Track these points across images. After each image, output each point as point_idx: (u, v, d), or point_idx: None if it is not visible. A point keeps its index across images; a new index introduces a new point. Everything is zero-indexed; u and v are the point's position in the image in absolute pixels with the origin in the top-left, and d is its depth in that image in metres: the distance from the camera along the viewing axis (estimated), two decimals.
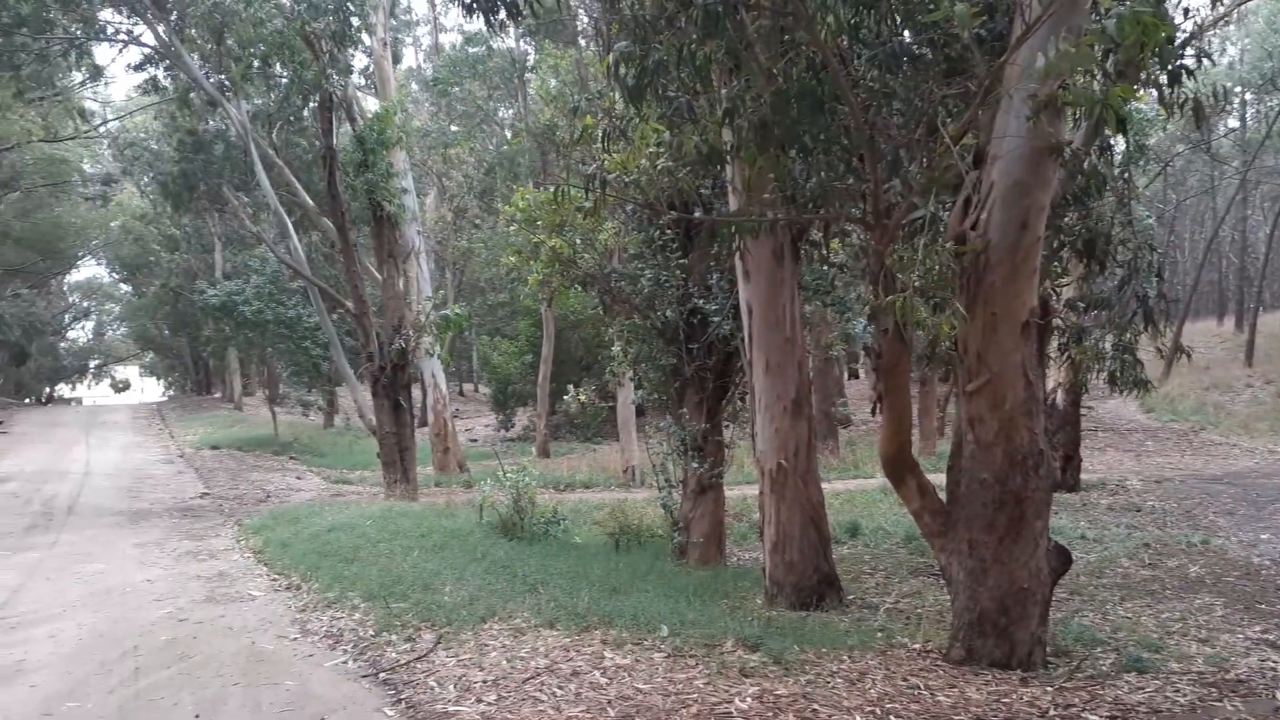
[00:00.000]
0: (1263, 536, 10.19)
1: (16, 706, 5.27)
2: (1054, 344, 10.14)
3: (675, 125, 5.78)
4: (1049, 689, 4.98)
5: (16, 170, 32.95)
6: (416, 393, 22.94)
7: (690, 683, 5.16)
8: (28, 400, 57.22)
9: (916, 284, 4.65)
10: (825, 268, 8.00)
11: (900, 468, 6.00)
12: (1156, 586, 8.02)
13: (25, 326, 36.96)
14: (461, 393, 42.13)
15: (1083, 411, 15.57)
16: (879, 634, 6.29)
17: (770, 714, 4.69)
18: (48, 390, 65.75)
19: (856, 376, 34.56)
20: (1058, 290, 9.08)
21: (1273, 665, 5.56)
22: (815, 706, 4.79)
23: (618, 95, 5.58)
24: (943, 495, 5.85)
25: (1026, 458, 5.32)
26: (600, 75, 11.77)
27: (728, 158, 5.78)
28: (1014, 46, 4.95)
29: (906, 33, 5.85)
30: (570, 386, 21.94)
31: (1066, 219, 7.19)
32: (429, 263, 24.80)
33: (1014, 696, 4.88)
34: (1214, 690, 5.04)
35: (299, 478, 19.93)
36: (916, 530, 9.14)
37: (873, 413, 25.00)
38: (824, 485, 8.14)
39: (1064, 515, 11.31)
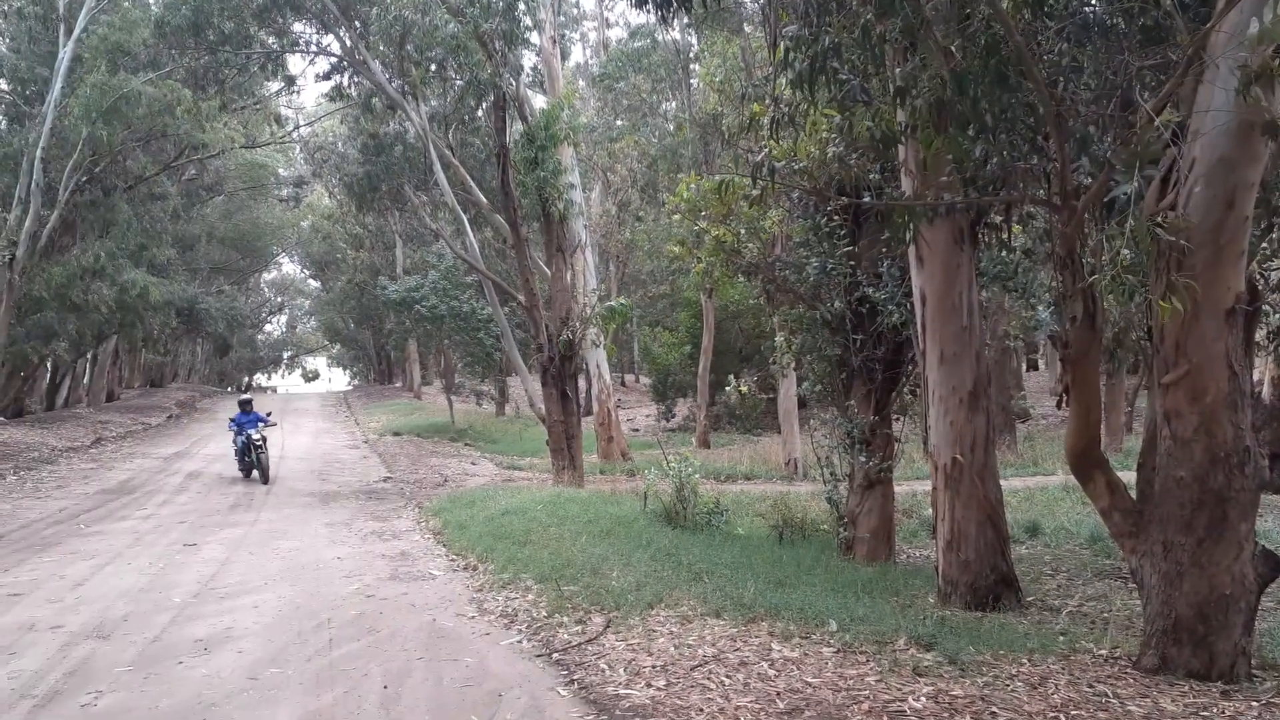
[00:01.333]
0: None
1: (227, 670, 5.74)
2: (1262, 331, 9.29)
3: (847, 109, 5.64)
4: (1254, 704, 4.59)
5: (220, 175, 35.79)
6: (581, 383, 23.47)
7: (861, 679, 5.05)
8: (229, 389, 62.24)
9: (1123, 262, 4.34)
10: (1005, 253, 7.61)
11: (1088, 464, 5.67)
12: None
13: (228, 320, 40.09)
14: (623, 384, 42.83)
15: None
16: (1061, 638, 5.96)
17: (946, 715, 4.54)
18: (246, 379, 71.34)
19: (1035, 368, 32.92)
20: (1266, 273, 8.32)
21: None
22: (994, 710, 4.60)
23: (785, 81, 5.50)
24: (1133, 494, 5.49)
25: (1230, 455, 4.91)
26: (766, 62, 11.65)
27: (902, 140, 5.60)
28: (1222, 11, 4.56)
29: (1096, 1, 5.50)
30: (731, 378, 21.86)
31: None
32: (593, 256, 25.29)
33: (1214, 710, 4.53)
34: None
35: (473, 463, 20.77)
36: (1102, 530, 8.67)
37: (1058, 406, 23.70)
38: (1001, 482, 7.79)
39: (1269, 518, 10.39)
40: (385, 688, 5.33)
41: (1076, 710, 4.58)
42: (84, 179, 24.64)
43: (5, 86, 24.96)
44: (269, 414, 17.83)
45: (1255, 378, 12.16)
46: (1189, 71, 4.68)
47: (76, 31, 22.72)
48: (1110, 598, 7.49)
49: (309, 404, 41.94)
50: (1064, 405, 6.27)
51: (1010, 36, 4.83)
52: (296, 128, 35.59)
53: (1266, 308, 8.73)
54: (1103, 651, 5.60)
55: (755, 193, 6.66)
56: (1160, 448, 5.11)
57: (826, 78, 5.22)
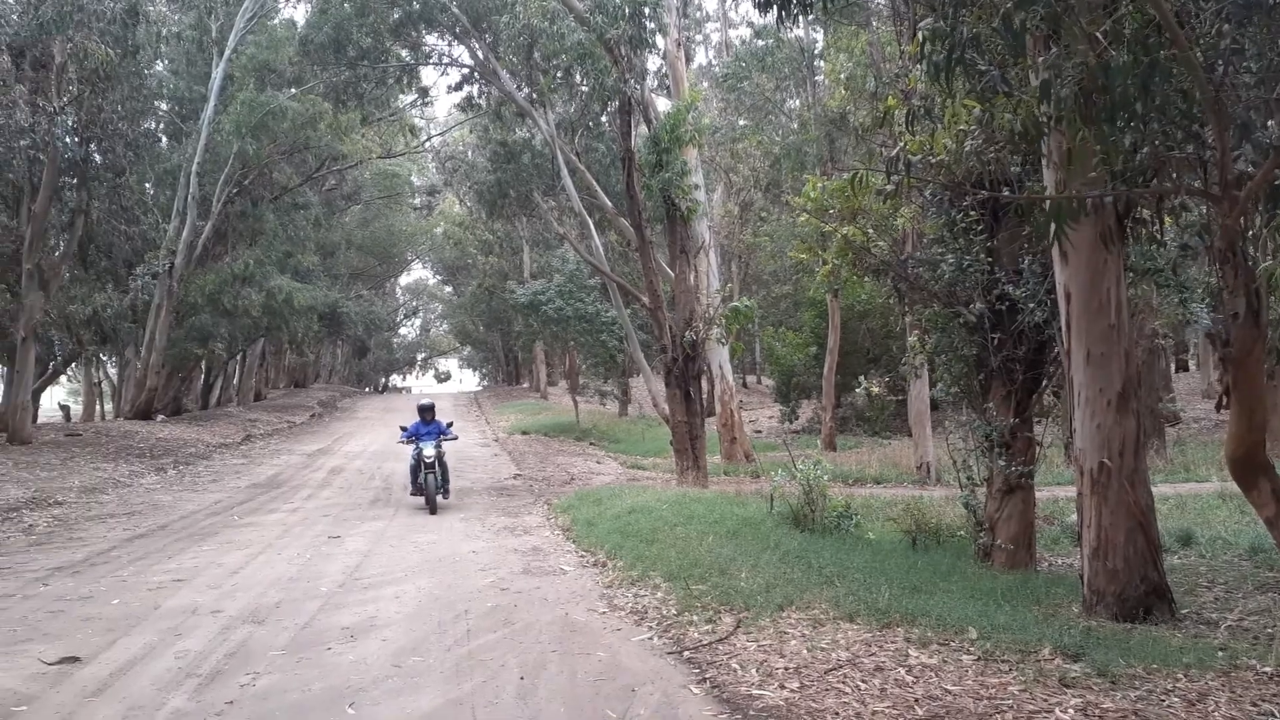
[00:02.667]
0: None
1: (372, 657, 5.99)
2: None
3: (986, 101, 5.47)
4: None
5: (358, 185, 37.48)
6: (704, 384, 23.47)
7: (1004, 688, 4.89)
8: (367, 389, 65.02)
9: None
10: (1156, 248, 7.22)
11: (1251, 470, 5.34)
12: None
13: (366, 323, 41.88)
14: (745, 385, 42.59)
15: None
16: (1220, 653, 5.62)
17: None
18: (383, 380, 74.35)
19: (1185, 369, 31.10)
20: None
21: None
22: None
23: (921, 74, 5.38)
24: None
25: None
26: (895, 57, 11.40)
27: (1045, 132, 5.38)
28: None
29: None
30: (862, 379, 21.44)
31: None
32: (716, 257, 25.28)
33: None
34: None
35: (598, 462, 21.05)
36: (1265, 540, 8.15)
37: (1217, 408, 22.37)
38: (1150, 488, 7.39)
39: None
40: (522, 679, 5.46)
41: None
42: (234, 191, 26.23)
43: (165, 107, 26.79)
44: (450, 424, 14.00)
45: None
46: None
47: (227, 52, 24.22)
48: (1275, 612, 7.00)
49: (442, 404, 43.04)
50: (1223, 408, 5.92)
51: (1163, 19, 4.59)
52: (429, 138, 36.93)
53: None
54: (1267, 669, 5.25)
55: (889, 188, 6.53)
56: None
57: (964, 69, 5.08)
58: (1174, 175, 5.77)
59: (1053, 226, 5.10)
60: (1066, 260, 6.65)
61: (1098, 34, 4.97)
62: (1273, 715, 4.47)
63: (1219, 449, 15.28)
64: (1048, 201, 5.47)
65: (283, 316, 28.88)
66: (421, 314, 74.11)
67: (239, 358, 36.90)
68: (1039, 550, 9.35)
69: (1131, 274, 7.32)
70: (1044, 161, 6.49)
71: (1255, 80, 5.46)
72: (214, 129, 24.14)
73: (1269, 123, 5.35)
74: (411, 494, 13.45)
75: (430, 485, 12.66)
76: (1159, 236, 7.01)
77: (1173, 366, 28.21)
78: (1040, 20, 4.87)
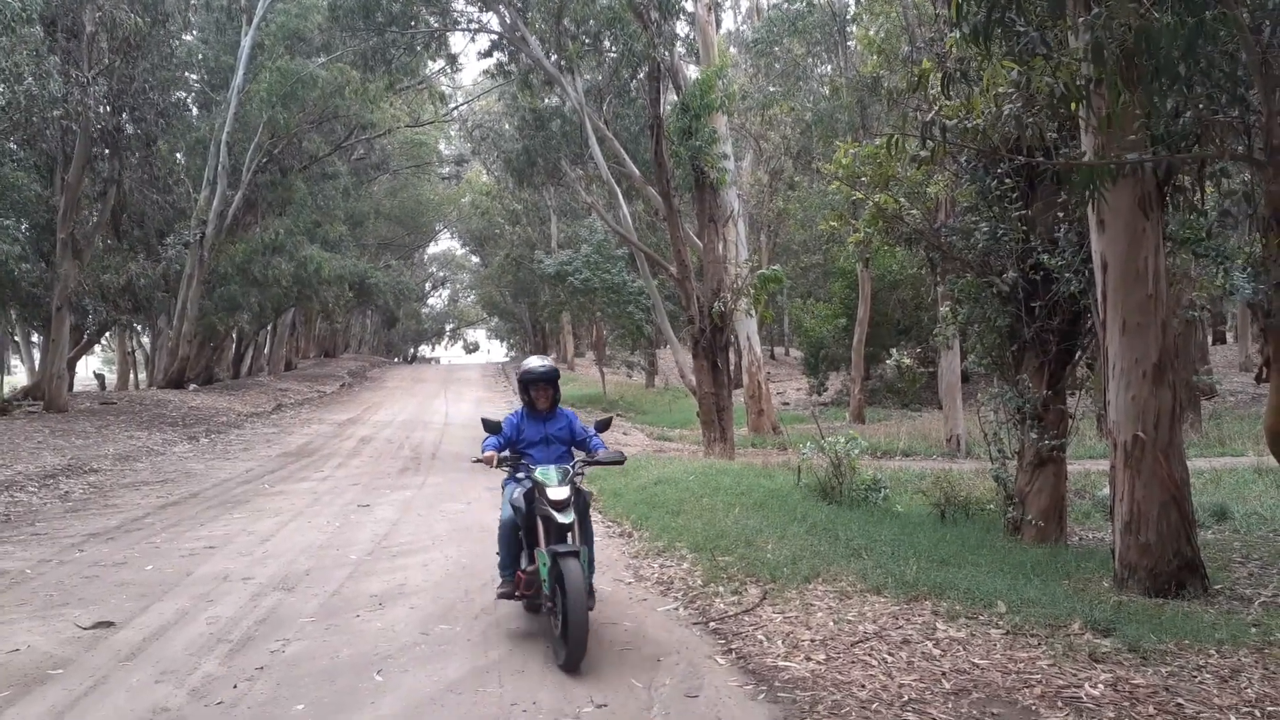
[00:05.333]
0: None
1: (400, 624, 6.03)
2: None
3: (1024, 63, 5.32)
4: None
5: (386, 154, 37.48)
6: (732, 356, 23.39)
7: (1033, 663, 4.84)
8: (396, 359, 65.50)
9: None
10: (1196, 216, 7.03)
11: None
12: None
13: (395, 293, 42.06)
14: (773, 356, 42.42)
15: None
16: (1253, 629, 5.52)
17: (1127, 704, 4.29)
18: (411, 350, 74.85)
19: (1223, 340, 30.55)
20: None
21: None
22: (1180, 701, 4.31)
23: (958, 35, 5.23)
24: None
25: None
26: (930, 20, 11.16)
27: (1086, 94, 5.23)
28: None
29: None
30: (893, 351, 21.25)
31: None
32: (744, 226, 25.07)
33: None
34: None
35: (625, 433, 21.08)
36: None
37: (1257, 380, 21.98)
38: (1185, 462, 7.26)
39: None
40: (547, 648, 5.47)
41: (1274, 706, 4.25)
42: (264, 160, 26.32)
43: (194, 76, 26.89)
44: (605, 423, 6.22)
45: None
46: None
47: (256, 19, 24.21)
48: None
49: (470, 374, 43.62)
50: (1263, 380, 5.78)
51: None
52: (456, 106, 36.80)
53: None
54: None
55: (924, 154, 6.39)
56: None
57: (1003, 30, 4.94)
58: (1217, 140, 5.60)
59: (1090, 190, 4.96)
60: (1103, 228, 6.49)
61: None
62: None
63: (1256, 423, 15.03)
64: (1085, 166, 5.33)
65: (312, 286, 29.06)
66: (449, 284, 74.37)
67: (270, 327, 37.24)
68: (1070, 524, 9.24)
69: (1170, 243, 7.14)
70: (1082, 126, 6.32)
71: None
72: (243, 98, 24.20)
73: None
74: (503, 593, 5.92)
75: (570, 584, 5.01)
76: (1200, 204, 6.83)
77: (1210, 338, 27.74)
78: None
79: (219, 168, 24.84)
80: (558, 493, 5.26)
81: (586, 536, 5.54)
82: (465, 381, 37.82)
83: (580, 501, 5.47)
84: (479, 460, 5.68)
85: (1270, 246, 4.98)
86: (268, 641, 5.63)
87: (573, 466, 5.56)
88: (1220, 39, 4.91)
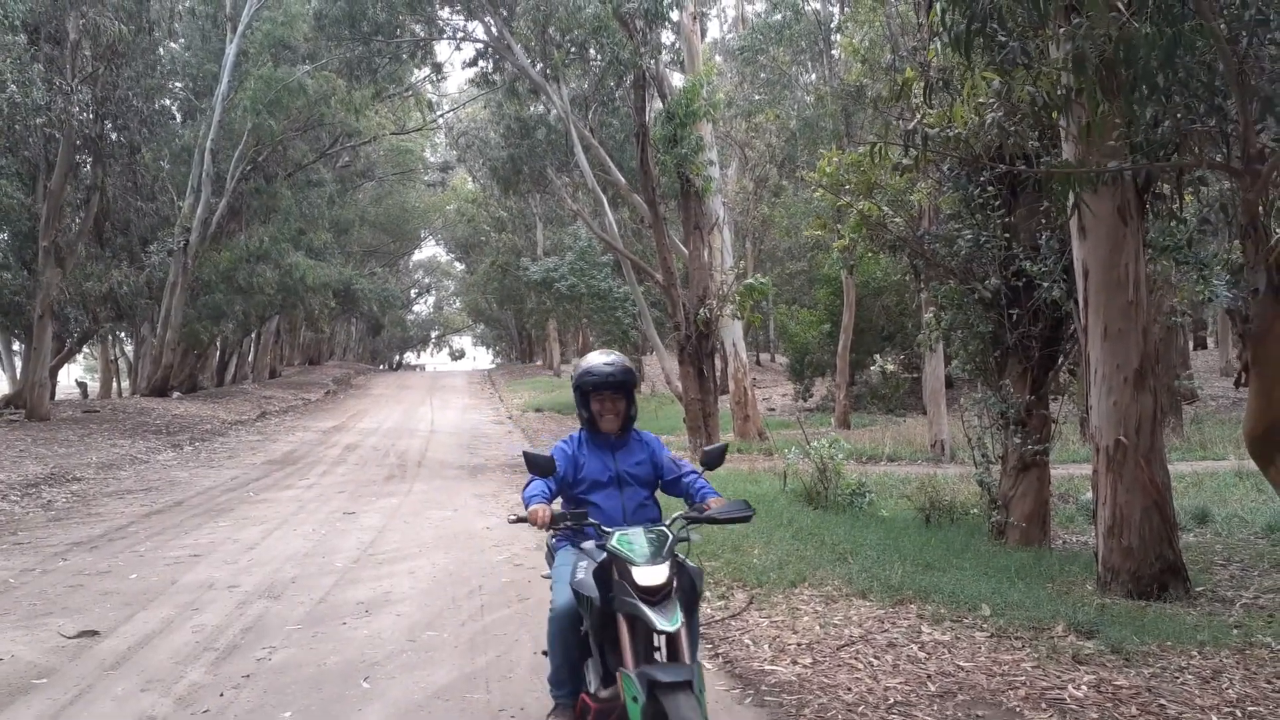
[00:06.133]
0: None
1: (387, 631, 6.03)
2: None
3: (1006, 73, 5.39)
4: None
5: (371, 161, 37.41)
6: (717, 362, 23.45)
7: (1017, 665, 4.88)
8: (381, 366, 65.31)
9: None
10: (1175, 223, 7.13)
11: (1270, 447, 5.28)
12: None
13: (380, 300, 41.98)
14: (758, 363, 42.49)
15: None
16: (1235, 631, 5.59)
17: (1110, 705, 4.33)
18: (397, 357, 74.64)
19: (1204, 346, 30.83)
20: None
21: None
22: (1162, 702, 4.36)
23: (940, 45, 5.30)
24: None
25: None
26: (914, 29, 11.26)
27: (1066, 104, 5.30)
28: None
29: None
30: (877, 356, 21.35)
31: None
32: (730, 233, 25.16)
33: None
34: None
35: None
36: None
37: (1236, 385, 22.20)
38: (1167, 466, 7.34)
39: None
40: (535, 654, 5.48)
41: (1254, 706, 4.30)
42: (248, 168, 26.25)
43: (179, 84, 26.81)
44: (710, 458, 3.98)
45: None
46: None
47: (241, 27, 24.17)
48: None
49: (456, 381, 43.52)
50: (1242, 385, 5.85)
51: None
52: (442, 114, 36.79)
53: None
54: None
55: (906, 162, 6.46)
56: None
57: (984, 40, 5.00)
58: (1195, 149, 5.68)
59: (1071, 197, 5.03)
60: (1085, 235, 6.57)
61: (1120, 4, 4.89)
62: None
63: (1236, 427, 15.17)
64: (1066, 174, 5.40)
65: (297, 294, 28.98)
66: (435, 291, 74.22)
67: (254, 335, 37.07)
68: (1053, 528, 9.31)
69: (1150, 250, 7.23)
70: (1063, 135, 6.40)
71: (1279, 52, 5.36)
72: (228, 105, 24.14)
73: None
74: None
75: None
76: (1179, 212, 6.92)
77: (1191, 344, 28.00)
78: None
79: (203, 175, 24.75)
80: (651, 574, 3.19)
81: (694, 641, 3.42)
82: (451, 389, 37.74)
83: (687, 586, 3.38)
84: (519, 519, 3.56)
85: (1247, 254, 5.05)
86: (254, 649, 5.61)
87: (672, 527, 3.47)
88: (1198, 49, 4.98)
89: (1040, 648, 5.11)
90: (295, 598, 6.89)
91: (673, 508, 4.04)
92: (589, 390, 3.90)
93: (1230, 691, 4.50)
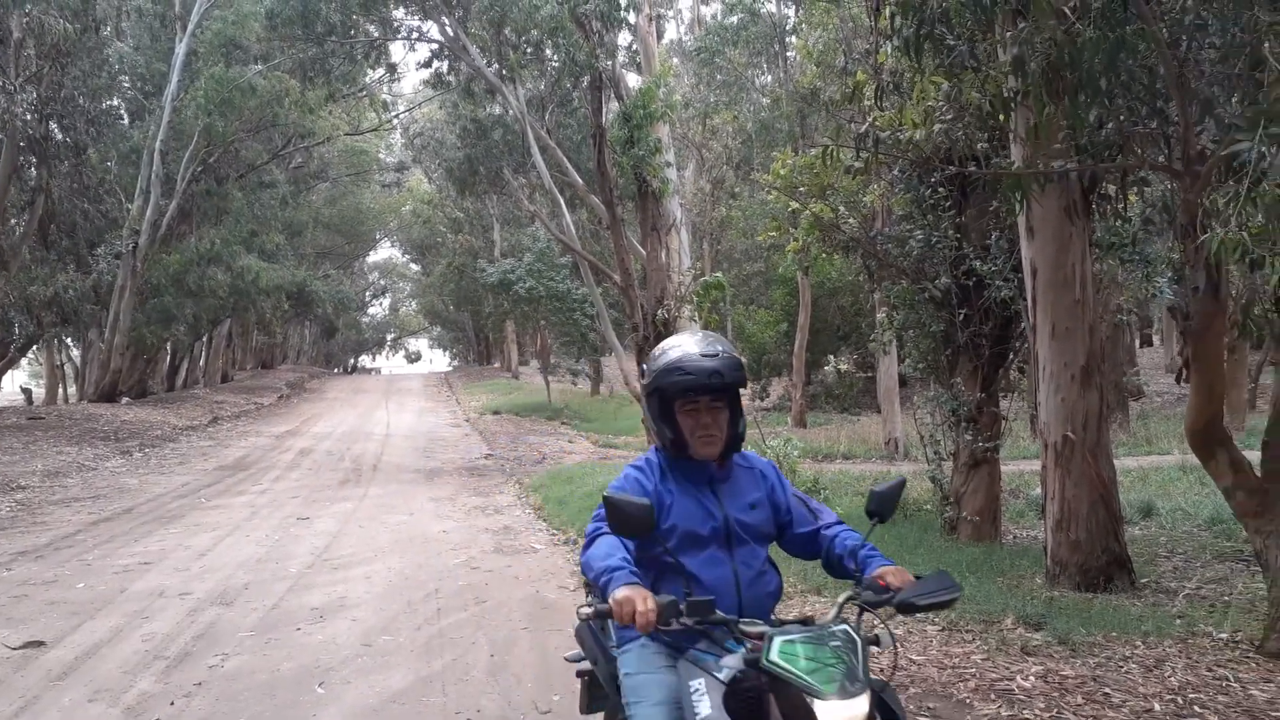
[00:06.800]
0: None
1: (342, 636, 5.98)
2: None
3: (955, 75, 5.48)
4: None
5: (325, 162, 36.97)
6: None
7: (967, 657, 4.97)
8: (336, 370, 64.52)
9: (1253, 229, 4.11)
10: (1120, 223, 7.29)
11: (1210, 441, 5.41)
12: None
13: (334, 303, 41.47)
14: None
15: None
16: (1177, 620, 5.74)
17: (1056, 694, 4.43)
18: (352, 360, 73.80)
19: (1149, 343, 31.53)
20: None
21: None
22: (1107, 690, 4.47)
23: (890, 48, 5.37)
24: (1259, 474, 5.23)
25: None
26: (867, 33, 11.40)
27: (1013, 107, 5.41)
28: None
29: None
30: (831, 356, 21.55)
31: None
32: (687, 234, 25.23)
33: None
34: None
35: (570, 441, 21.06)
36: (1223, 511, 8.29)
37: (1177, 381, 22.75)
38: (1114, 461, 7.51)
39: None
40: (492, 656, 5.47)
41: (1195, 693, 4.42)
42: (199, 169, 25.81)
43: (127, 84, 26.28)
44: (879, 504, 2.64)
45: None
46: None
47: (191, 27, 23.76)
48: (1231, 580, 7.16)
49: (412, 384, 43.14)
50: (1183, 381, 6.00)
51: None
52: (397, 115, 36.48)
53: None
54: (1223, 635, 5.37)
55: (858, 164, 6.54)
56: None
57: (933, 44, 5.08)
58: (1138, 150, 5.82)
59: (1019, 198, 5.13)
60: (1033, 235, 6.70)
61: (1065, 9, 4.99)
62: (1227, 680, 4.57)
63: (1180, 422, 15.55)
64: (1014, 175, 5.51)
65: (250, 297, 28.54)
66: (390, 293, 73.52)
67: (205, 339, 36.44)
68: (1004, 523, 9.47)
69: (1097, 249, 7.39)
70: (1011, 136, 6.52)
71: (1218, 56, 5.49)
72: (178, 106, 23.70)
73: (1231, 99, 5.40)
74: None
75: None
76: (1123, 212, 7.08)
77: (1137, 341, 28.62)
78: None
79: (152, 176, 24.27)
80: (845, 712, 2.05)
81: None
82: (407, 392, 37.39)
83: None
84: (597, 613, 2.29)
85: (1187, 252, 5.18)
86: (205, 657, 5.53)
87: (859, 629, 2.26)
88: (1140, 53, 5.11)
89: (990, 640, 5.21)
90: (248, 604, 6.80)
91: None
92: (675, 396, 2.58)
93: (1173, 679, 4.62)
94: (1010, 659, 4.93)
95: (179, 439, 19.95)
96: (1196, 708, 4.25)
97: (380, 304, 74.87)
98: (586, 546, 2.49)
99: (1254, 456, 5.37)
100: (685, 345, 2.58)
